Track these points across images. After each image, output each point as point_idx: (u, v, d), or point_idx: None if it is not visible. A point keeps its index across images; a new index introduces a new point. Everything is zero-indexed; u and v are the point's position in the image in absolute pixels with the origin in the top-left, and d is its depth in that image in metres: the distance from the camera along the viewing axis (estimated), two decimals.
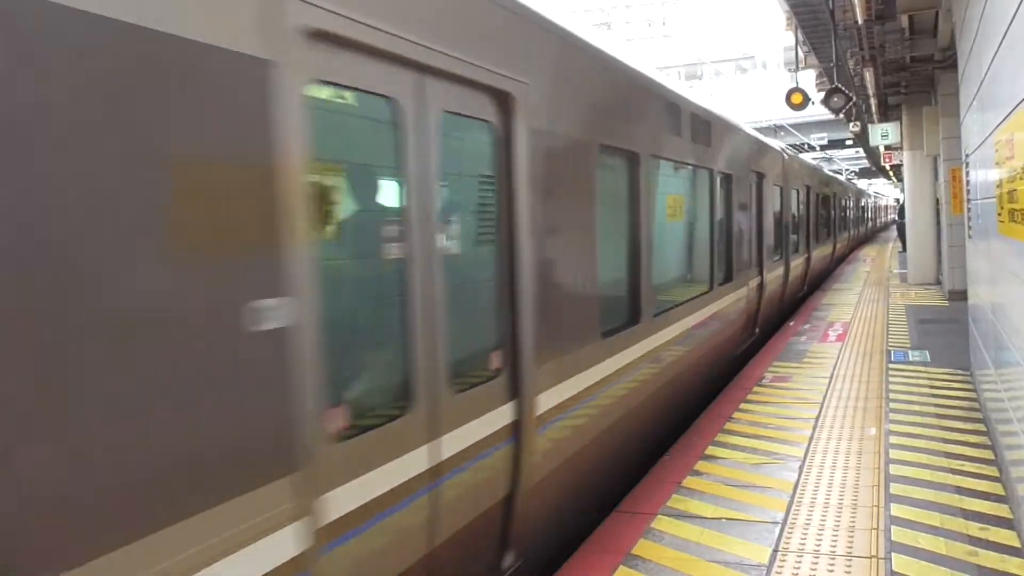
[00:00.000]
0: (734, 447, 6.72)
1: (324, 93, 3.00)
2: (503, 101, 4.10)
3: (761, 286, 11.56)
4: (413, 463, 3.36)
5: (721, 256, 9.21)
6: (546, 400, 4.46)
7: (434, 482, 3.53)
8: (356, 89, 3.14)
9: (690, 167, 7.99)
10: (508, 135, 4.17)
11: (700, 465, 6.28)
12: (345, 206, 3.32)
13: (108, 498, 2.05)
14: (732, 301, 9.60)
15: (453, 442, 3.66)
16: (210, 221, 2.34)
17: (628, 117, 5.99)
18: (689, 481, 5.92)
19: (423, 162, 3.48)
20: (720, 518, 5.21)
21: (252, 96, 2.48)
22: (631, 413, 6.05)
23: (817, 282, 20.67)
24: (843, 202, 29.21)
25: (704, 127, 8.26)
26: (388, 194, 3.45)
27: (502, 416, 4.08)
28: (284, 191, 2.61)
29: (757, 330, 11.88)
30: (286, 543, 2.60)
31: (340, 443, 2.93)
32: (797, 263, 15.65)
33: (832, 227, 23.96)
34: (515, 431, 4.19)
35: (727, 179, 9.48)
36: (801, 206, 16.75)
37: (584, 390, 5.02)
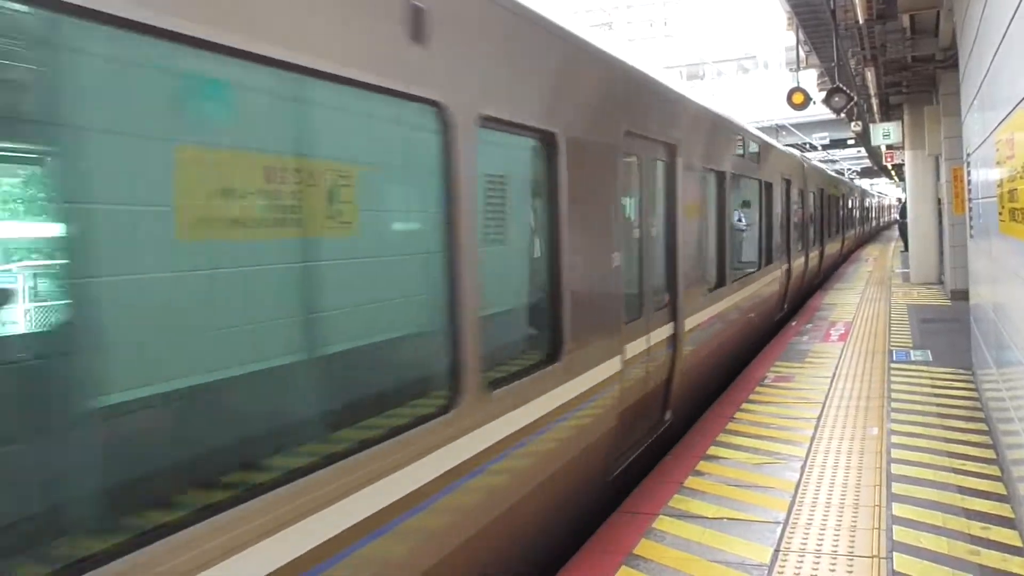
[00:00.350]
0: (736, 447, 6.72)
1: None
2: (672, 150, 7.30)
3: (789, 271, 14.44)
4: (643, 342, 6.42)
5: (765, 246, 12.26)
6: (687, 323, 7.51)
7: (648, 357, 6.52)
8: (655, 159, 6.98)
9: (748, 179, 11.14)
10: (672, 168, 7.32)
11: (702, 465, 6.28)
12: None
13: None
14: (770, 280, 12.58)
15: (657, 337, 6.75)
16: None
17: (723, 150, 9.44)
18: (691, 481, 5.92)
19: (671, 185, 7.29)
20: (722, 518, 5.22)
21: None
22: (723, 339, 9.40)
23: (829, 272, 23.68)
24: (850, 202, 32.74)
25: (755, 147, 11.40)
26: (662, 206, 7.31)
27: (668, 329, 7.09)
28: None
29: (786, 306, 14.77)
30: (615, 364, 5.70)
31: (629, 324, 6.10)
32: (814, 254, 18.54)
33: (841, 224, 27.23)
34: (673, 340, 7.17)
35: (768, 187, 12.48)
36: (816, 206, 19.39)
37: (704, 321, 8.23)
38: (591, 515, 5.60)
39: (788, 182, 14.42)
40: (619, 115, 5.90)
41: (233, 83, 2.89)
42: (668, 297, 7.13)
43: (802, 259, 16.31)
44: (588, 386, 5.18)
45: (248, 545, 2.61)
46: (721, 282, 9.09)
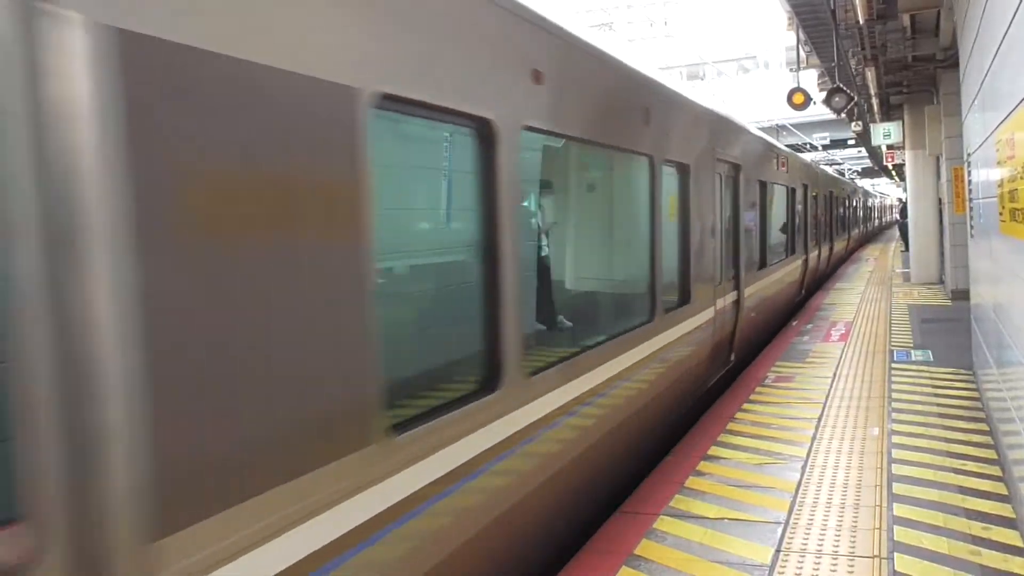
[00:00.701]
0: (737, 447, 6.72)
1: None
2: (736, 169, 9.96)
3: (806, 261, 16.96)
4: (723, 301, 8.78)
5: (789, 239, 14.86)
6: (747, 292, 10.26)
7: (726, 311, 9.04)
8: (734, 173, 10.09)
9: (779, 185, 13.79)
10: (736, 181, 10.02)
11: (703, 465, 6.28)
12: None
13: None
14: (792, 268, 15.06)
15: (730, 299, 9.39)
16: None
17: (764, 164, 12.17)
18: (692, 481, 5.92)
19: (735, 194, 10.02)
20: (723, 518, 5.22)
21: None
22: (764, 308, 11.95)
23: (837, 265, 26.26)
24: (855, 202, 36.25)
25: (784, 159, 14.32)
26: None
27: (734, 295, 9.69)
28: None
29: (803, 291, 17.18)
30: (711, 312, 8.38)
31: (717, 287, 8.67)
32: (825, 249, 21.18)
33: (848, 223, 30.43)
34: (737, 303, 9.81)
35: (792, 191, 15.15)
36: (827, 207, 21.92)
37: (755, 292, 10.95)
38: (694, 412, 8.26)
39: (806, 187, 17.11)
40: (712, 146, 8.54)
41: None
42: (734, 272, 9.85)
43: (816, 252, 18.92)
44: (702, 321, 8.00)
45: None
46: (763, 265, 11.99)
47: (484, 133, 3.92)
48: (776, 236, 13.74)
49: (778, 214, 14.06)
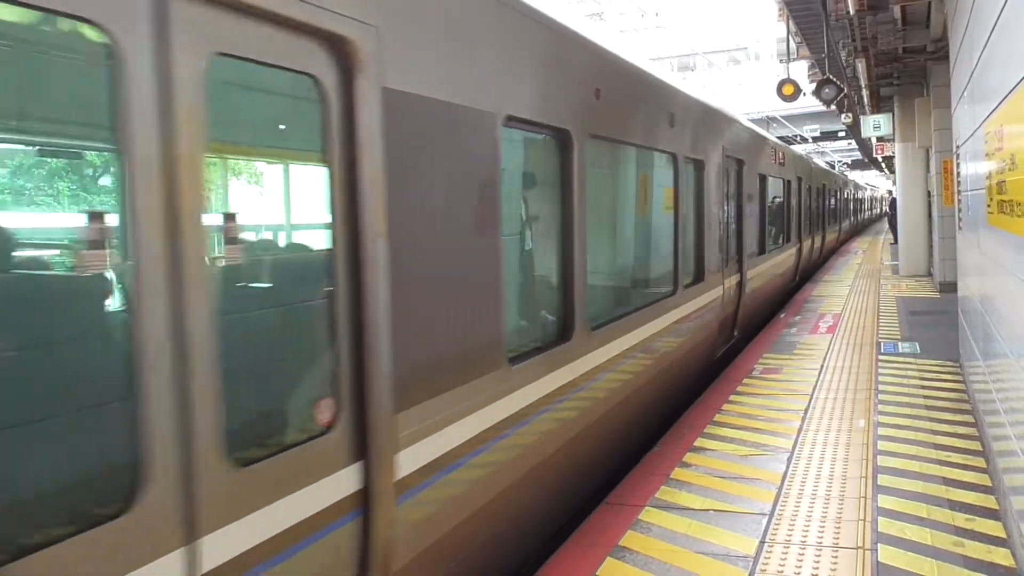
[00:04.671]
0: (723, 439, 6.72)
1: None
2: (740, 164, 10.93)
3: (800, 250, 17.83)
4: (729, 280, 9.86)
5: (784, 229, 15.82)
6: (749, 275, 11.24)
7: (731, 290, 10.02)
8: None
9: (776, 178, 14.71)
10: (740, 174, 11.00)
11: (689, 457, 6.28)
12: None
13: None
14: (787, 255, 16.00)
15: (734, 280, 10.36)
16: None
17: (764, 158, 13.03)
18: (678, 473, 5.91)
19: (739, 186, 10.95)
20: (708, 510, 5.21)
21: None
22: (763, 289, 12.98)
23: (829, 255, 27.21)
24: (846, 194, 37.29)
25: (781, 154, 15.34)
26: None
27: (737, 277, 10.61)
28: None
29: (797, 278, 18.21)
30: (720, 290, 9.43)
31: (724, 268, 9.67)
32: (817, 238, 22.11)
33: (839, 215, 31.47)
34: (740, 284, 10.65)
35: (788, 183, 16.09)
36: (820, 199, 22.91)
37: (756, 274, 11.95)
38: (707, 376, 9.30)
39: (800, 179, 18.02)
40: (720, 143, 9.51)
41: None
42: (738, 256, 10.76)
43: (809, 242, 19.94)
44: (712, 298, 8.98)
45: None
46: (762, 251, 12.79)
47: (564, 140, 5.08)
48: (774, 225, 14.67)
49: (776, 205, 15.04)
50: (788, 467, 5.96)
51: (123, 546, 2.20)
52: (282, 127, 3.42)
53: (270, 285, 3.36)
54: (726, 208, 9.96)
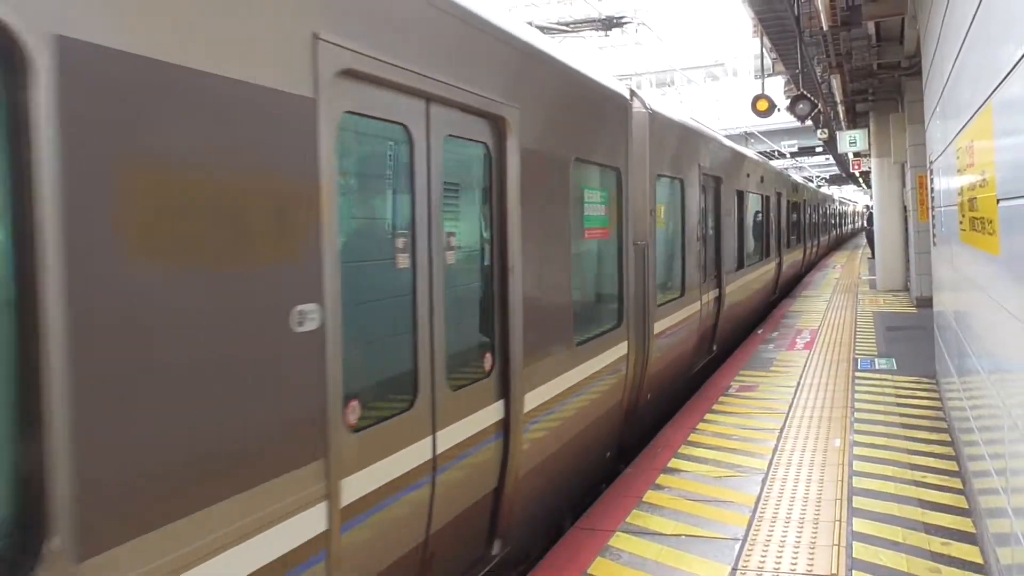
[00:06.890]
0: (698, 459, 6.59)
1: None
2: (718, 181, 11.31)
3: (780, 263, 18.46)
4: (706, 296, 10.09)
5: (764, 244, 16.14)
6: (727, 290, 11.39)
7: (709, 305, 10.35)
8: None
9: (755, 194, 15.22)
10: (719, 191, 11.34)
11: (662, 479, 6.14)
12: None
13: None
14: (766, 269, 16.36)
15: (712, 295, 10.66)
16: None
17: (743, 175, 13.33)
18: (650, 496, 5.78)
19: (717, 202, 11.29)
20: (680, 535, 5.08)
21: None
22: (743, 304, 13.03)
23: (807, 269, 27.81)
24: (827, 209, 38.83)
25: (760, 171, 15.66)
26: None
27: (715, 292, 10.87)
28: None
29: (777, 291, 18.60)
30: (697, 305, 9.65)
31: (702, 284, 9.94)
32: (797, 252, 23.04)
33: (817, 230, 32.49)
34: (718, 298, 10.96)
35: (767, 199, 16.64)
36: (799, 214, 23.71)
37: (735, 289, 11.97)
38: (684, 392, 9.52)
39: (779, 195, 18.68)
40: (698, 161, 9.77)
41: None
42: (716, 272, 10.93)
43: (789, 256, 20.47)
44: (690, 312, 9.18)
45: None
46: (740, 266, 13.05)
47: (618, 176, 6.65)
48: (752, 241, 14.91)
49: (755, 220, 15.34)
50: (763, 489, 5.84)
51: (408, 429, 3.64)
52: (469, 174, 4.58)
53: (466, 280, 4.47)
54: (704, 225, 10.18)
